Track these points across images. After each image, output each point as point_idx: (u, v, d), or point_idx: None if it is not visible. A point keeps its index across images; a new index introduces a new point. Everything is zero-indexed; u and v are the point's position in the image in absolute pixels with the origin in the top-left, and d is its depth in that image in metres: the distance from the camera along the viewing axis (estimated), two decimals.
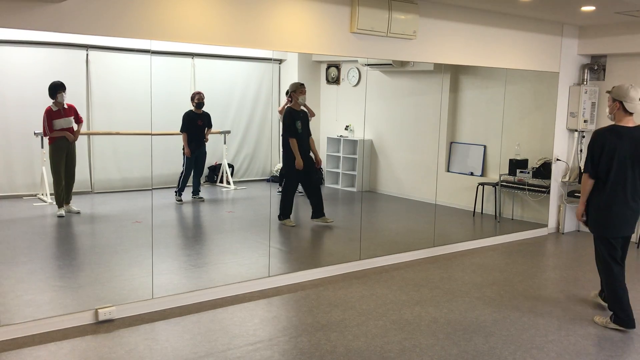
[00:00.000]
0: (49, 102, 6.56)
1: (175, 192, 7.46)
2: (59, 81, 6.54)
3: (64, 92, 6.52)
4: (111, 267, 5.52)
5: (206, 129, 7.53)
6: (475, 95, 8.23)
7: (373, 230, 7.08)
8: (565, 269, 6.08)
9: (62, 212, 6.62)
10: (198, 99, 7.37)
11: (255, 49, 5.02)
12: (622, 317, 4.39)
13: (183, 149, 7.35)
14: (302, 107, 6.89)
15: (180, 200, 7.46)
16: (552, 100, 7.51)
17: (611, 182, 4.32)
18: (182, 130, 7.32)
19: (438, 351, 3.96)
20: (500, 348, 4.04)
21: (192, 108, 7.39)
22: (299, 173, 6.91)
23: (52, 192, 6.70)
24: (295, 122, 6.81)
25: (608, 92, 4.52)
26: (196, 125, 7.38)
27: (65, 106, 6.62)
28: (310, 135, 7.07)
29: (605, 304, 4.76)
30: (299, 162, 6.80)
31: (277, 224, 6.86)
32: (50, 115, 6.50)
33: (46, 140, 6.63)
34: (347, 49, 5.51)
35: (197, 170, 7.52)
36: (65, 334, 4.07)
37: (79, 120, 6.76)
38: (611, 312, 4.49)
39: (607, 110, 4.49)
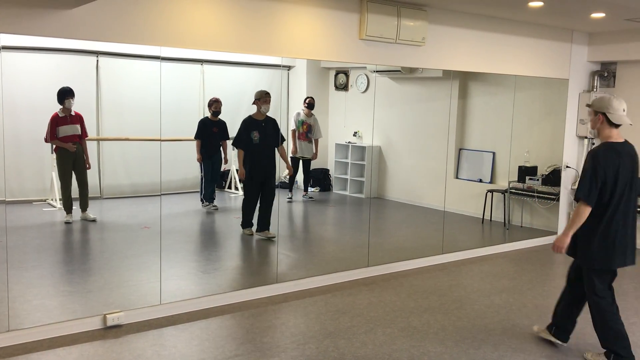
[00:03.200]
0: (58, 108, 6.59)
1: (201, 199, 7.44)
2: (67, 87, 6.56)
3: (72, 98, 6.52)
4: (120, 272, 5.53)
5: (222, 141, 7.36)
6: (484, 102, 8.20)
7: (381, 237, 7.06)
8: None
9: (70, 218, 6.64)
10: (215, 107, 7.30)
11: (264, 55, 5.04)
12: (624, 355, 3.91)
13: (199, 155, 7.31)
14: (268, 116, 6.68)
15: (214, 206, 7.43)
16: (561, 107, 7.47)
17: (613, 207, 3.83)
18: (197, 137, 7.28)
19: (447, 359, 3.94)
20: (510, 356, 4.02)
21: (209, 115, 7.36)
22: (255, 183, 6.68)
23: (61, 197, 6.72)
24: (251, 132, 6.59)
25: (588, 105, 4.12)
26: (211, 132, 7.34)
27: (73, 113, 6.63)
28: (279, 144, 6.75)
29: (557, 340, 4.24)
30: (241, 173, 6.68)
31: (248, 234, 6.76)
32: (56, 122, 6.52)
33: (54, 146, 6.66)
34: (355, 56, 5.51)
35: (212, 177, 7.49)
36: (74, 339, 4.09)
37: (83, 134, 6.68)
38: (604, 351, 4.01)
39: (589, 125, 4.05)
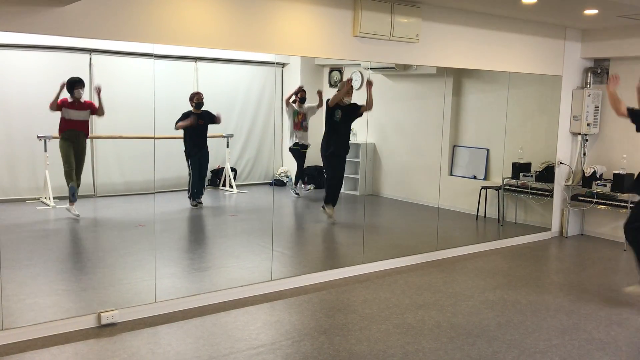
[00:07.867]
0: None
1: (189, 197, 7.41)
2: (77, 77, 6.55)
3: (81, 88, 6.52)
4: (114, 270, 5.52)
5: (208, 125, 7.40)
6: (478, 99, 8.22)
7: (376, 234, 7.07)
8: (568, 273, 6.06)
9: (75, 185, 6.57)
10: (197, 99, 7.24)
11: (258, 52, 5.03)
12: None
13: (185, 151, 7.26)
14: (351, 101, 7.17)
15: (200, 204, 7.42)
16: (555, 103, 7.49)
17: None
18: (178, 122, 7.16)
19: (441, 355, 3.95)
20: (504, 352, 4.03)
21: (192, 108, 7.31)
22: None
23: (56, 195, 6.68)
24: (335, 110, 7.12)
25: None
26: (197, 125, 7.30)
27: (82, 101, 6.60)
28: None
29: None
30: None
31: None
32: (64, 103, 6.50)
33: (50, 142, 6.62)
34: (349, 53, 5.51)
35: (201, 173, 7.46)
36: (68, 337, 4.07)
37: (94, 111, 6.66)
38: None
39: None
